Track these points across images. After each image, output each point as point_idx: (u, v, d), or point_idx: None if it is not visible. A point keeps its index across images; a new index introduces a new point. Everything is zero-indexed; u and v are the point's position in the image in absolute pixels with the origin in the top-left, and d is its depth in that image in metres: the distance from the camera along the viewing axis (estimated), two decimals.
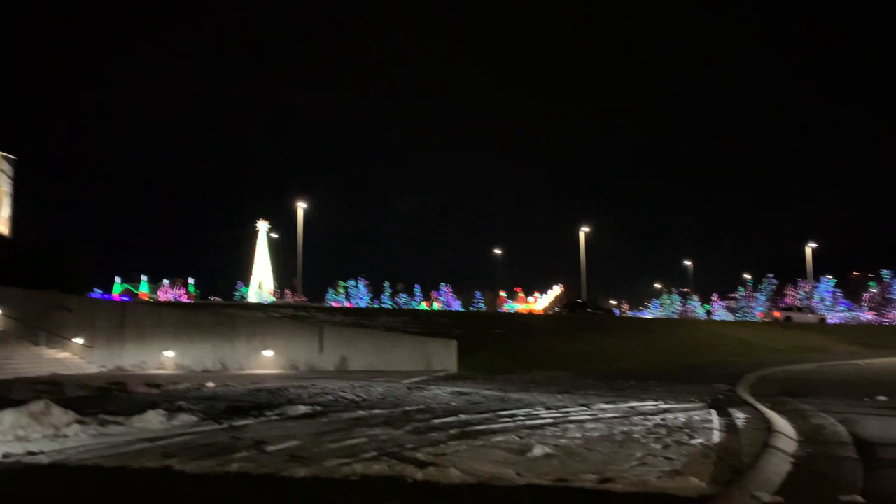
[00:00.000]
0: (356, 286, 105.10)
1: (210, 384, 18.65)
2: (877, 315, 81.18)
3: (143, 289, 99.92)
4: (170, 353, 27.07)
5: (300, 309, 37.81)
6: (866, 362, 27.32)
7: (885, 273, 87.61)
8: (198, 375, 23.19)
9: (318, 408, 12.72)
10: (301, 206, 59.42)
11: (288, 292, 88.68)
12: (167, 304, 49.43)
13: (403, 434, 9.24)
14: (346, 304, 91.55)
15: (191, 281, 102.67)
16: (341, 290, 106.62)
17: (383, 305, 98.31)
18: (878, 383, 16.41)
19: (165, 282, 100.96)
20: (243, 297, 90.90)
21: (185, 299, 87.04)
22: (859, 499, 5.55)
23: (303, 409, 12.48)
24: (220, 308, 37.16)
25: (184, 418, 11.18)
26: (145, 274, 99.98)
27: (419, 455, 7.54)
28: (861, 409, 11.51)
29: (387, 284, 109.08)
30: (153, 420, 10.80)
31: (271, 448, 8.22)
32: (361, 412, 11.92)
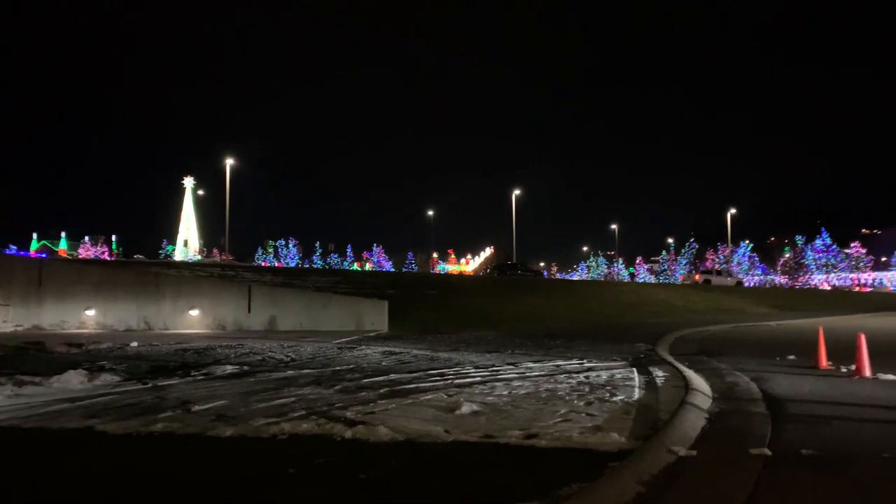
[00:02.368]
0: (286, 246, 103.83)
1: (134, 344, 18.21)
2: (789, 279, 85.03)
3: (63, 246, 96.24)
4: (91, 312, 26.25)
5: (228, 268, 37.11)
6: (778, 324, 28.66)
7: (799, 239, 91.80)
8: (121, 335, 22.59)
9: (246, 367, 12.59)
10: (229, 163, 57.90)
11: (215, 251, 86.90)
12: (88, 261, 47.72)
13: (333, 393, 9.25)
14: (276, 264, 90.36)
15: (113, 238, 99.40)
16: (270, 250, 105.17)
17: (314, 265, 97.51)
18: (788, 343, 17.24)
19: (86, 239, 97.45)
20: (168, 256, 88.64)
21: (107, 257, 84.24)
22: (767, 451, 5.86)
23: (230, 368, 12.34)
24: (144, 266, 36.10)
25: (106, 378, 10.91)
26: (65, 231, 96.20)
27: (348, 414, 7.58)
28: (772, 368, 12.09)
29: (318, 244, 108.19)
30: (73, 380, 10.50)
31: (197, 408, 8.12)
32: (290, 372, 11.86)
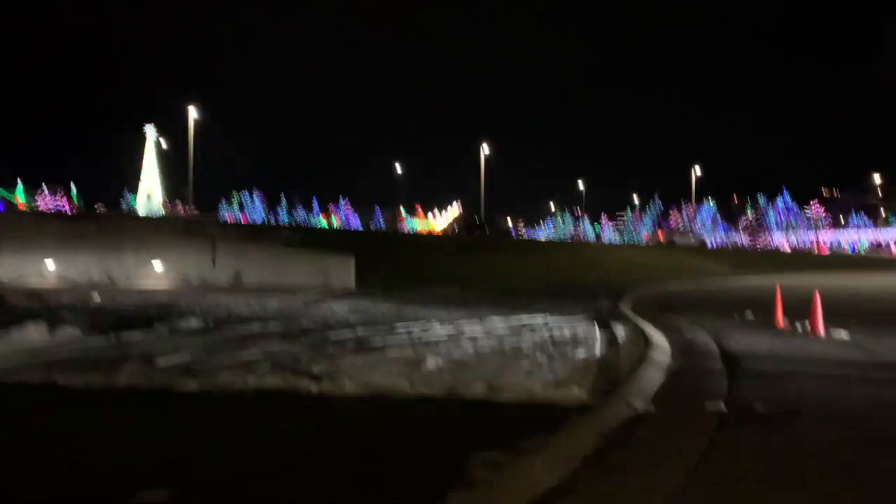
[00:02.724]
0: (251, 198, 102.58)
1: (96, 297, 17.99)
2: (751, 239, 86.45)
3: (20, 195, 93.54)
4: (52, 266, 25.80)
5: (192, 222, 36.64)
6: (740, 282, 29.27)
7: (760, 198, 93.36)
8: (83, 289, 22.27)
9: (211, 323, 12.54)
10: (192, 110, 56.43)
11: (179, 203, 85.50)
12: (49, 214, 46.71)
13: (299, 349, 9.27)
14: (241, 217, 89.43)
15: (73, 188, 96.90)
16: (235, 202, 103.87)
17: (280, 220, 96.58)
18: (747, 302, 17.61)
19: (44, 188, 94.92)
20: (131, 209, 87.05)
21: (66, 208, 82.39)
22: (723, 407, 6.04)
23: (194, 323, 12.28)
24: (106, 219, 35.44)
25: (68, 332, 10.78)
26: (21, 178, 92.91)
27: (315, 369, 7.62)
28: (731, 326, 12.39)
29: (283, 196, 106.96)
30: (34, 333, 10.36)
31: (162, 362, 8.09)
32: (256, 327, 11.85)
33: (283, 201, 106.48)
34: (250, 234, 31.12)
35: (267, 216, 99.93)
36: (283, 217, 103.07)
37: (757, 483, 4.14)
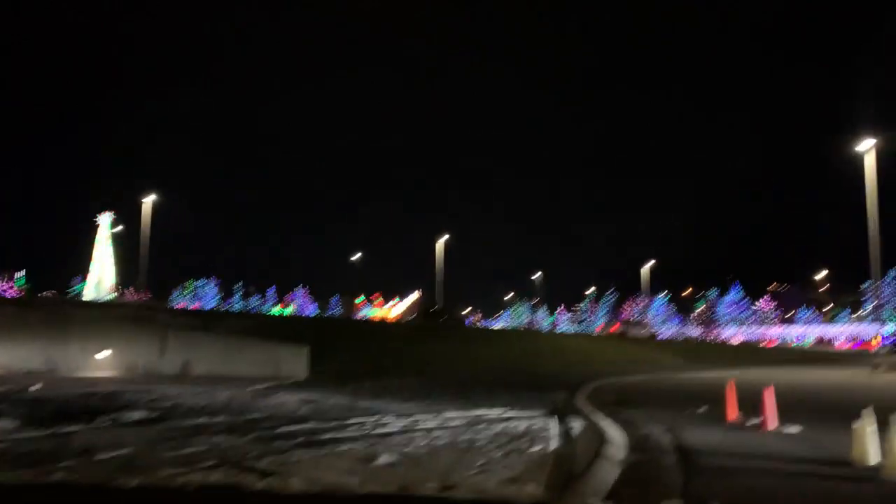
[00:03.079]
0: (205, 286, 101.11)
1: (36, 386, 17.27)
2: (703, 331, 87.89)
3: None
4: None
5: (142, 309, 35.90)
6: (692, 375, 29.50)
7: (712, 292, 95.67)
8: (23, 377, 21.38)
9: (156, 414, 12.10)
10: (147, 200, 56.22)
11: (131, 290, 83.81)
12: None
13: (246, 442, 8.98)
14: (194, 305, 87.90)
15: (20, 273, 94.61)
16: (189, 290, 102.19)
17: (233, 308, 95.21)
18: (700, 395, 17.70)
19: None
20: (79, 294, 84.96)
21: (12, 293, 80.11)
22: (678, 502, 5.99)
23: (138, 414, 11.83)
24: (51, 305, 34.48)
25: (1, 424, 10.28)
26: None
27: (261, 464, 7.36)
28: (684, 420, 12.41)
29: (238, 285, 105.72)
30: None
31: (101, 456, 7.73)
32: (202, 419, 11.47)
33: (239, 290, 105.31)
34: (202, 322, 30.50)
35: (221, 304, 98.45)
36: (238, 304, 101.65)
37: None
